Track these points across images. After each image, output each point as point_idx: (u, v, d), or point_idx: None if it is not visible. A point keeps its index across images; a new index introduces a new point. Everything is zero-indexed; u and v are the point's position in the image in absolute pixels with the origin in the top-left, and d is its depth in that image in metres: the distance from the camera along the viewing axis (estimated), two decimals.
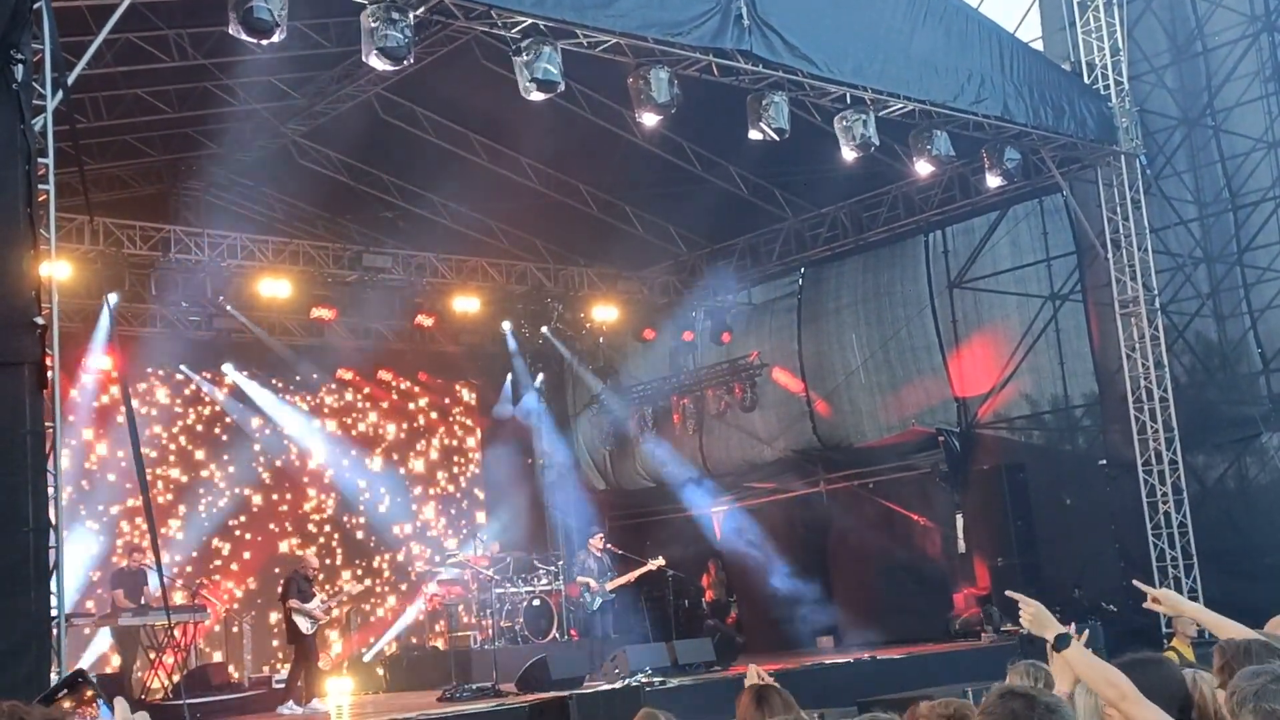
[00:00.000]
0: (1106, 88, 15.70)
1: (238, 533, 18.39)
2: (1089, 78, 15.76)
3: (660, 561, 15.48)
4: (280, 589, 14.48)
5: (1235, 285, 15.96)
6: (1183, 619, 12.62)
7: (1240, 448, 15.64)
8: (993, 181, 15.39)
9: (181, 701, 12.25)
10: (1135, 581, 4.87)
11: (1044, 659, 4.46)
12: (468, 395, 21.55)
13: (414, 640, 18.87)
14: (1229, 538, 15.43)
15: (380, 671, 16.91)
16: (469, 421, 21.52)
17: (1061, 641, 3.79)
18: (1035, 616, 3.93)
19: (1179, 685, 3.71)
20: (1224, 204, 16.06)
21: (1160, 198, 16.21)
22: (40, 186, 8.74)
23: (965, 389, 18.07)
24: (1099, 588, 15.86)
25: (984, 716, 2.99)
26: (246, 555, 18.37)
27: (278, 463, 18.97)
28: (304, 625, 13.87)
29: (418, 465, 20.56)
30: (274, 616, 18.34)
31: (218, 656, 16.83)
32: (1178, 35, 16.31)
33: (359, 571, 19.42)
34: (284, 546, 18.79)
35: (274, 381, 19.07)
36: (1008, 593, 4.31)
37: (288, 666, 17.24)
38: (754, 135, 13.05)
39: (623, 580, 15.34)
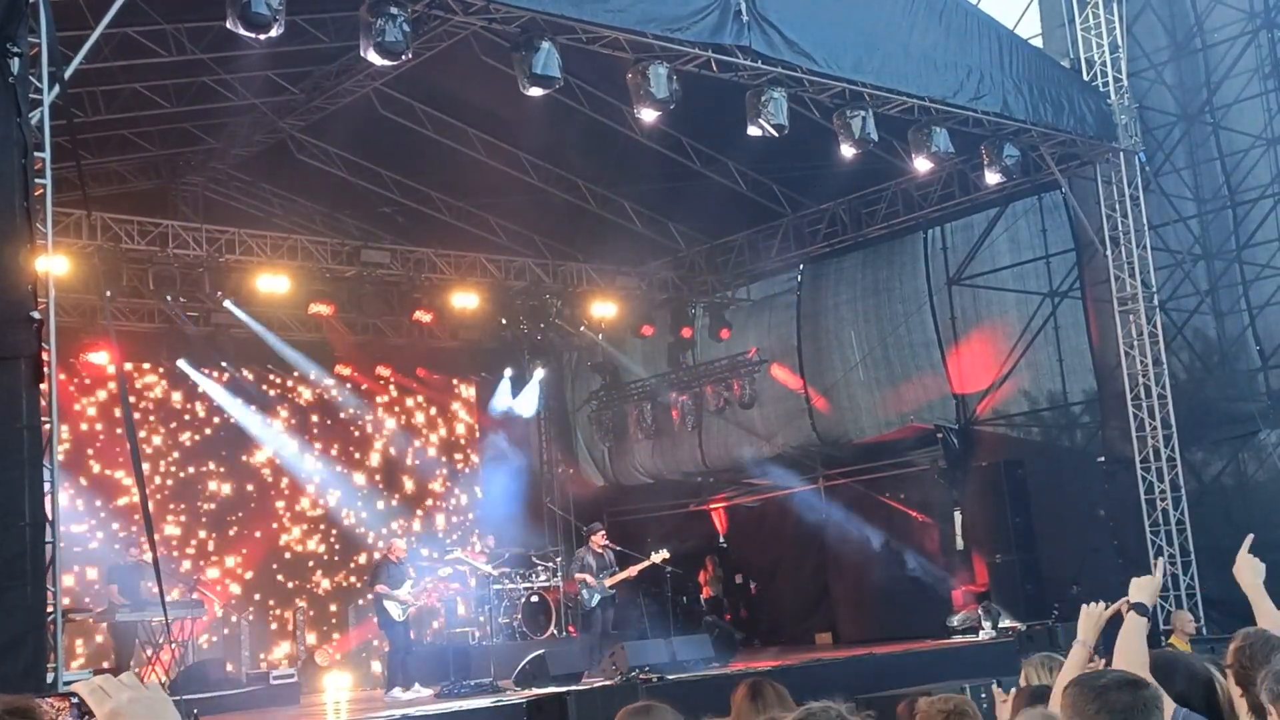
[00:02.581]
0: (1105, 84, 15.68)
1: (235, 528, 18.38)
2: (1088, 74, 15.75)
3: (665, 554, 15.43)
4: (369, 576, 14.65)
5: (1234, 282, 15.95)
6: (1181, 615, 12.74)
7: (1238, 445, 15.64)
8: (992, 178, 15.38)
9: (179, 698, 12.24)
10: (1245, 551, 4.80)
11: (1053, 650, 4.62)
12: (466, 391, 21.54)
13: (411, 636, 18.84)
14: (1226, 534, 15.36)
15: (378, 668, 16.89)
16: (468, 417, 21.51)
17: (1140, 610, 4.00)
18: (1149, 584, 4.12)
19: (1203, 673, 3.88)
20: (1223, 201, 16.05)
21: (1159, 194, 16.20)
22: (37, 181, 8.73)
23: (964, 386, 18.07)
24: (1097, 584, 15.81)
25: (1099, 712, 2.92)
26: (244, 551, 18.36)
27: (276, 458, 18.95)
28: (395, 611, 14.02)
29: (416, 461, 20.54)
30: (266, 609, 18.36)
31: (215, 653, 16.81)
32: (1177, 32, 16.29)
33: (353, 566, 19.41)
34: (282, 541, 18.79)
35: (272, 377, 19.07)
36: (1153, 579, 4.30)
37: (286, 661, 17.29)
38: (753, 131, 13.04)
39: (623, 575, 15.27)
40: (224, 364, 18.26)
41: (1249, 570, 4.72)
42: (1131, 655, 3.82)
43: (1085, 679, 3.15)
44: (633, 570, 15.38)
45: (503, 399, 21.09)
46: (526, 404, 21.16)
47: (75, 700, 2.13)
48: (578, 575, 15.17)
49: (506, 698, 11.88)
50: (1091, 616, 4.30)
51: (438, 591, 16.33)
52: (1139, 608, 3.99)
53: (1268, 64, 15.58)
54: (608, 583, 15.08)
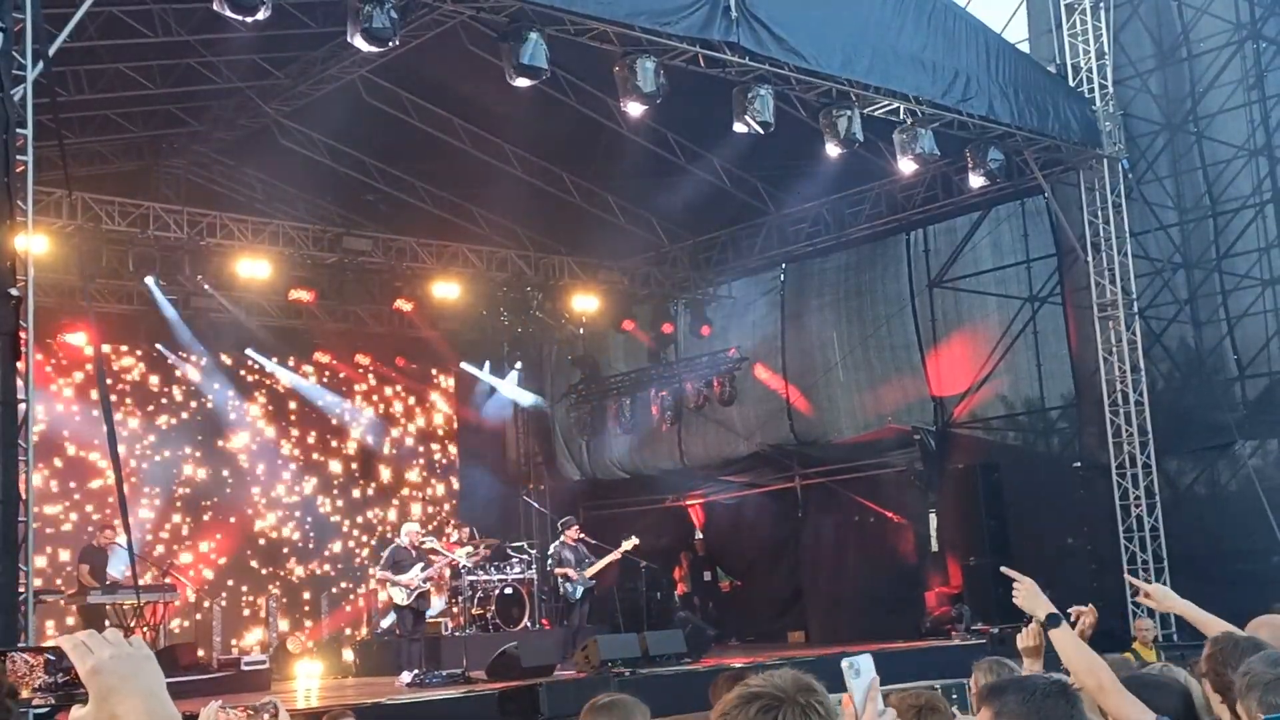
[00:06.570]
0: (1091, 91, 15.75)
1: (209, 514, 18.29)
2: (1074, 80, 15.80)
3: (634, 541, 15.43)
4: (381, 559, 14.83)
5: (1213, 291, 16.03)
6: (1144, 623, 12.81)
7: (1214, 454, 15.72)
8: (976, 181, 15.41)
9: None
10: (1128, 577, 4.92)
11: (1011, 656, 4.51)
12: (445, 381, 21.49)
13: (384, 625, 18.81)
14: (1200, 543, 15.52)
15: (349, 656, 16.85)
16: (446, 408, 21.47)
17: (1052, 620, 3.79)
18: (1028, 593, 3.92)
19: (1178, 686, 3.80)
20: (1204, 210, 16.13)
21: (1141, 202, 16.27)
22: (18, 158, 8.66)
23: (942, 388, 18.11)
24: (1070, 589, 15.88)
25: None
26: (218, 536, 18.27)
27: (252, 444, 18.87)
28: (397, 596, 14.13)
29: (393, 450, 20.48)
30: (239, 595, 18.28)
31: (186, 638, 16.73)
32: (1163, 41, 16.37)
33: (327, 554, 19.35)
34: (256, 527, 18.71)
35: (250, 363, 18.97)
36: (1003, 569, 4.20)
37: (257, 647, 17.20)
38: (739, 128, 13.04)
39: (600, 565, 15.31)
40: (202, 348, 18.16)
41: (1164, 596, 4.74)
42: (1089, 663, 3.68)
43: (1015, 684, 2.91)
44: (609, 559, 15.41)
45: (482, 390, 21.05)
46: (505, 396, 21.11)
47: (52, 656, 2.07)
48: (558, 570, 15.19)
49: (478, 689, 11.87)
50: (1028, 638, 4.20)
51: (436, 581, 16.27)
52: (1051, 620, 3.86)
53: (1252, 75, 15.66)
54: (587, 574, 15.13)
